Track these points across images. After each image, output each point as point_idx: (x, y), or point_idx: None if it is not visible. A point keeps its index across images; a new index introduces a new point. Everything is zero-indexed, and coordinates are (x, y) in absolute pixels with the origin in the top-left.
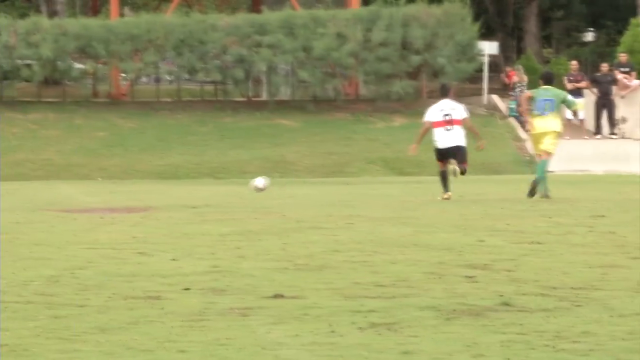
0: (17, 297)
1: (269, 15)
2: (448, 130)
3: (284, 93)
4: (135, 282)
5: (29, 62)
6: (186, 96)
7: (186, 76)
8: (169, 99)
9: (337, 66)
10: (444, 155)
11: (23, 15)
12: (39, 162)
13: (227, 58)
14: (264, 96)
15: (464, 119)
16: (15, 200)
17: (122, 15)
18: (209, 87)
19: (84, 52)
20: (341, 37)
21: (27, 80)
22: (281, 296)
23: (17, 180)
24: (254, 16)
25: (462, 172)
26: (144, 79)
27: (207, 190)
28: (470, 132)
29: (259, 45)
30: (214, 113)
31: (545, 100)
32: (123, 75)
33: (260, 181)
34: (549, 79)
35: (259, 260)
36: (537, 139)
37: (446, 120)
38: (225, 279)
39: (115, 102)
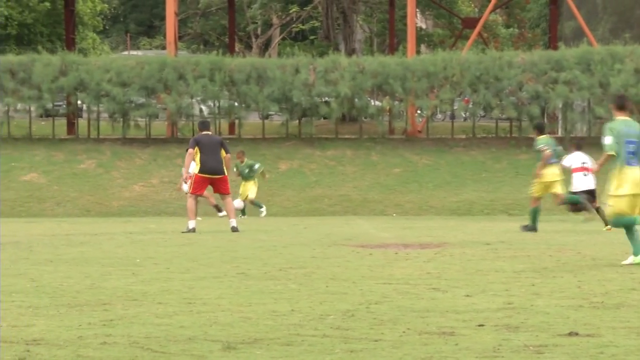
0: (314, 330)
1: (565, 52)
2: None
3: (580, 129)
4: (429, 318)
5: (327, 99)
6: (481, 133)
7: (481, 113)
8: (463, 136)
9: (635, 102)
10: None
11: (322, 54)
12: (336, 197)
13: (523, 95)
14: (560, 133)
15: None
16: (313, 235)
17: (418, 52)
18: (504, 124)
19: (380, 90)
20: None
21: (325, 117)
22: (576, 334)
23: (315, 215)
24: (550, 53)
25: None
26: (439, 116)
27: (500, 227)
28: None
29: (555, 81)
30: (508, 150)
31: None
32: (419, 112)
33: (237, 203)
34: None
35: (553, 298)
36: None
37: None
38: (520, 316)
39: (410, 138)
